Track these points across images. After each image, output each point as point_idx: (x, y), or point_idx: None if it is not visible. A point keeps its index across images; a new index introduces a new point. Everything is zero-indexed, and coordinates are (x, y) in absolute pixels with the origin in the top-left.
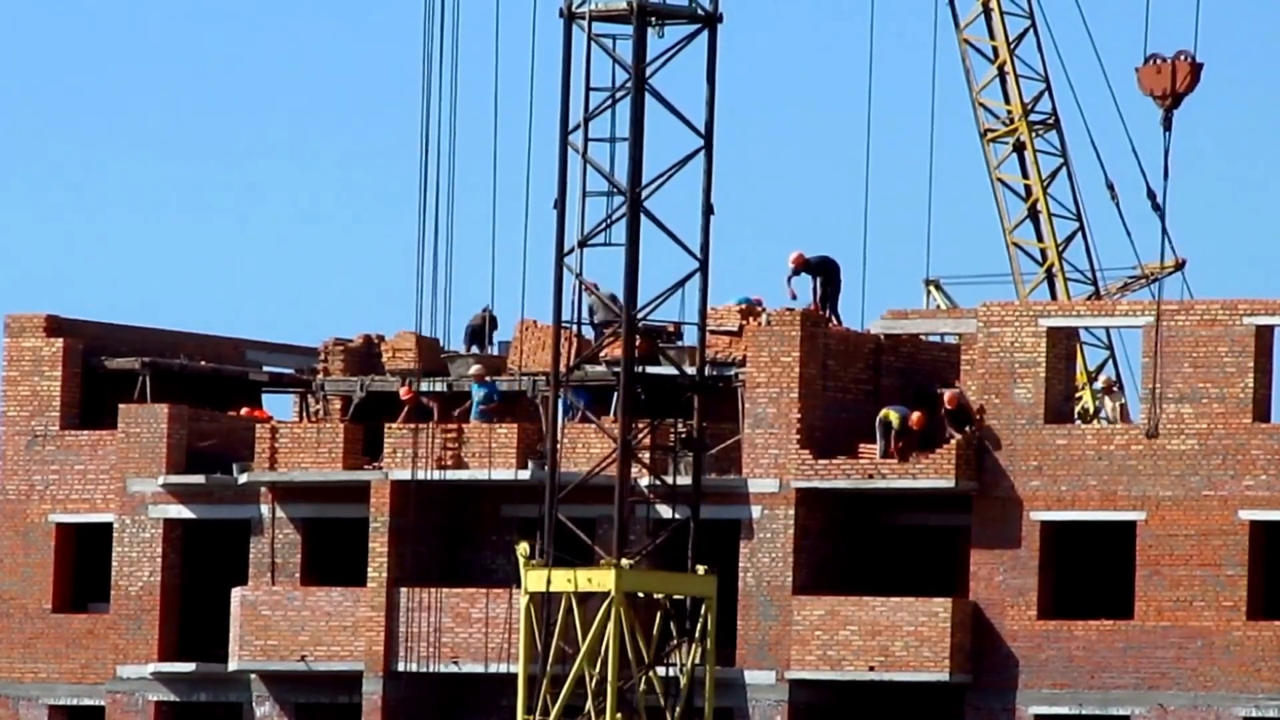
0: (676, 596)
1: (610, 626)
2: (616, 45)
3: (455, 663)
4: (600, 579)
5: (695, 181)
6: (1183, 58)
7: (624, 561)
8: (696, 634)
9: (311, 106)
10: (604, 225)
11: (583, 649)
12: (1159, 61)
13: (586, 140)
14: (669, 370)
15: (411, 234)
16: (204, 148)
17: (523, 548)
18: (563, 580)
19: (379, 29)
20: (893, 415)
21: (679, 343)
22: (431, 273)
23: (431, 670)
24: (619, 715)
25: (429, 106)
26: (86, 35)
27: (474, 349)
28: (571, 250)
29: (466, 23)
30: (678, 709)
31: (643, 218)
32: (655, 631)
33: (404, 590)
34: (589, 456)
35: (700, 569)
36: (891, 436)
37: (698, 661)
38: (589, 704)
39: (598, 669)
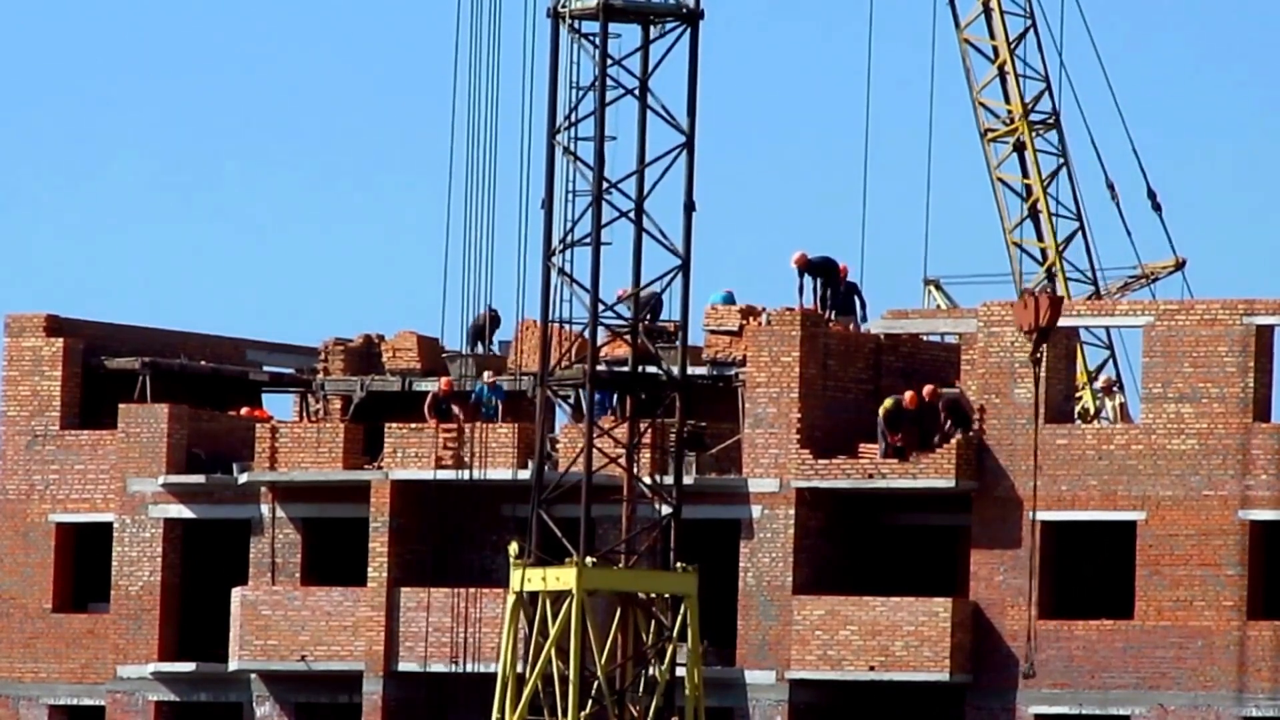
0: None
1: (573, 625)
2: (610, 45)
3: (455, 663)
4: (566, 578)
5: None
6: (1045, 293)
7: (588, 560)
8: (676, 632)
9: (311, 107)
10: (594, 224)
11: (547, 647)
12: (1026, 297)
13: (576, 139)
14: (654, 370)
15: (413, 233)
16: (204, 148)
17: (513, 547)
18: (537, 579)
19: (377, 31)
20: (887, 402)
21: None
22: (469, 272)
23: (432, 670)
24: (582, 714)
25: (461, 109)
26: (87, 34)
27: (476, 348)
28: (555, 250)
29: (468, 23)
30: (653, 707)
31: (625, 217)
32: (652, 631)
33: (404, 590)
34: (594, 456)
35: (680, 566)
36: (885, 421)
37: (680, 660)
38: (594, 703)
39: (600, 669)
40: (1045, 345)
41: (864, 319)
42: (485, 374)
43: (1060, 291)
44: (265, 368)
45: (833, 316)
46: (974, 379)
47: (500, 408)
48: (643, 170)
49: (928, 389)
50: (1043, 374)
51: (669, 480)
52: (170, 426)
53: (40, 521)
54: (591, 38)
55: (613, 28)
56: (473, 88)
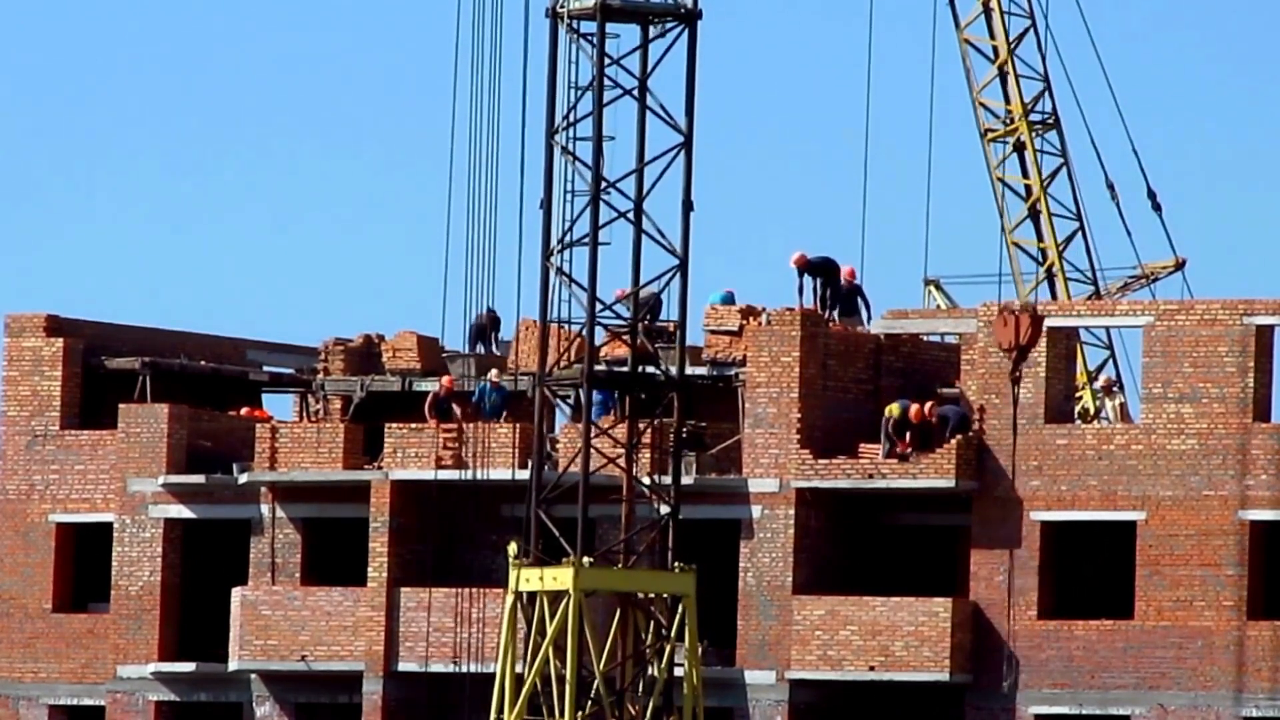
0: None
1: (570, 625)
2: (608, 45)
3: (455, 663)
4: (563, 577)
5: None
6: (1026, 311)
7: (586, 560)
8: (674, 632)
9: (311, 107)
10: (593, 224)
11: (544, 647)
12: (1006, 315)
13: (575, 139)
14: (652, 369)
15: (413, 233)
16: (204, 147)
17: (512, 547)
18: (535, 579)
19: (377, 31)
20: (894, 408)
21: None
22: (475, 271)
23: (432, 670)
24: (579, 714)
25: (463, 107)
26: (86, 33)
27: (478, 348)
28: (554, 250)
29: (468, 24)
30: (651, 707)
31: (624, 218)
32: (650, 631)
33: (404, 590)
34: (593, 456)
35: (678, 566)
36: (891, 428)
37: (678, 660)
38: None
39: (598, 669)
40: (1024, 364)
41: (869, 319)
42: (492, 372)
43: (1060, 290)
44: (265, 368)
45: (833, 316)
46: (974, 379)
47: (503, 407)
48: (641, 170)
49: (929, 405)
50: (1022, 392)
51: (668, 480)
52: (170, 426)
53: (40, 521)
54: (590, 38)
55: (611, 28)
56: (473, 88)
